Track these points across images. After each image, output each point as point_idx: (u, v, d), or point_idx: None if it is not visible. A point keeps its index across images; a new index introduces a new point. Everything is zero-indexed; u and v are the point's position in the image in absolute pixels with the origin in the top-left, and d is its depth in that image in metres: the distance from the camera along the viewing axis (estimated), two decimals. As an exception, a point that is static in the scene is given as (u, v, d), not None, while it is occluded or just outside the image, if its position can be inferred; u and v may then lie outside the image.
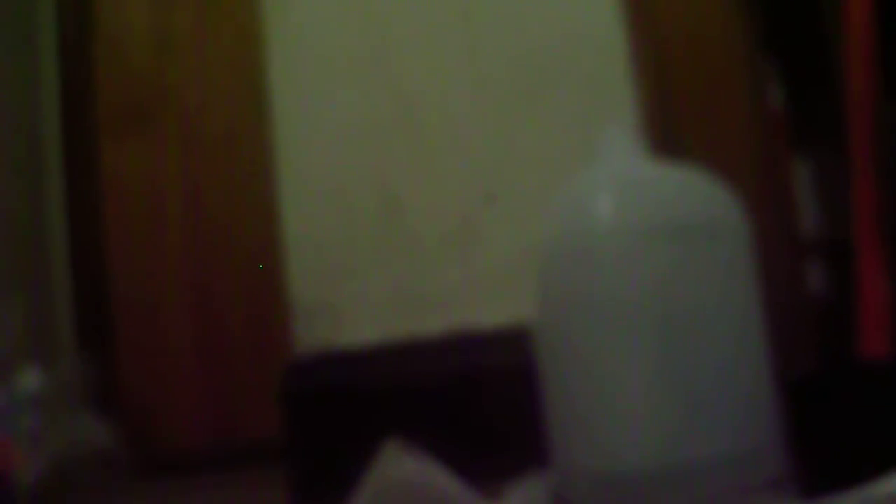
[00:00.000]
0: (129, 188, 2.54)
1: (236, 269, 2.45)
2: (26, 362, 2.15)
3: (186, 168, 2.51)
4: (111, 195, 2.54)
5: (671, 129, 2.24)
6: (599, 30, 2.39)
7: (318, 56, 2.52)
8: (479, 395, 1.57)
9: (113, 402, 2.43)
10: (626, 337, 1.22)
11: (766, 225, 1.33)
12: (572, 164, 1.39)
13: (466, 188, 2.40)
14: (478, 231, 2.38)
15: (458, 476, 1.22)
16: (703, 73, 2.27)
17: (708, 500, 1.13)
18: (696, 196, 1.30)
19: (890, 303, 1.18)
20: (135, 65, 2.58)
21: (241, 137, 2.50)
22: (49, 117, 2.62)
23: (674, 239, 1.24)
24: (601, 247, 1.25)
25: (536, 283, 1.33)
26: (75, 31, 2.65)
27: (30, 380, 2.10)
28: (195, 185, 2.50)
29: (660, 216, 1.25)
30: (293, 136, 2.49)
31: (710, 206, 1.29)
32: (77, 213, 2.60)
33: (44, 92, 2.62)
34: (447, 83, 2.46)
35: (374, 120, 2.47)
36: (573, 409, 1.26)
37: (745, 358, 1.24)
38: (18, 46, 2.60)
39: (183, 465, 2.34)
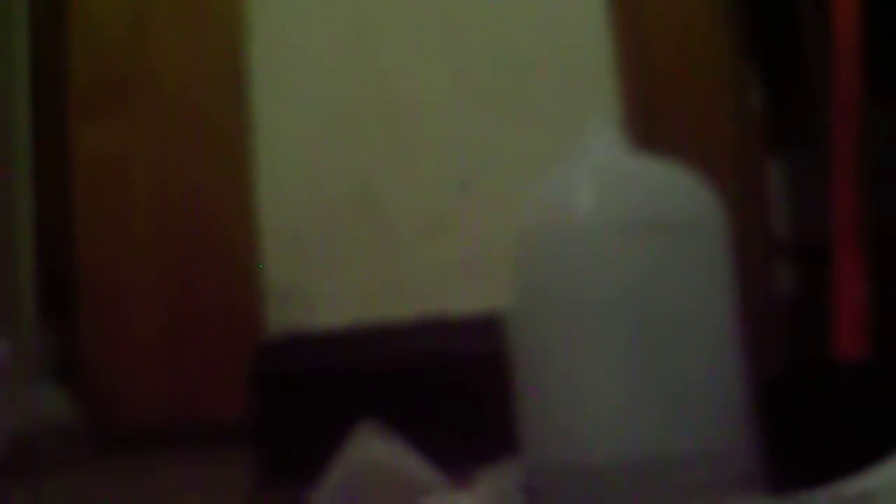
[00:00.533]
0: (98, 165, 2.52)
1: (207, 250, 2.44)
2: (-12, 334, 2.13)
3: (159, 149, 2.50)
4: (80, 170, 2.52)
5: (652, 124, 2.25)
6: (583, 23, 2.40)
7: (298, 43, 2.51)
8: (450, 380, 1.57)
9: (75, 376, 2.41)
10: (602, 331, 1.23)
11: (741, 224, 1.34)
12: (550, 157, 1.39)
13: (443, 178, 2.41)
14: (453, 221, 2.39)
15: (430, 461, 1.22)
16: (686, 71, 2.28)
17: (680, 496, 1.14)
18: (678, 192, 1.30)
19: (865, 304, 1.19)
20: (109, 44, 2.56)
21: (218, 121, 2.48)
22: (20, 95, 2.59)
23: (654, 234, 1.24)
24: (580, 240, 1.25)
25: (513, 274, 1.33)
26: (48, 8, 2.62)
27: (-9, 351, 2.08)
28: (168, 166, 2.49)
29: (640, 211, 1.26)
30: (272, 122, 2.48)
31: (692, 203, 1.29)
32: (44, 185, 2.58)
33: (15, 69, 2.59)
34: (427, 73, 2.45)
35: (353, 108, 2.46)
36: (545, 402, 1.26)
37: (721, 355, 1.24)
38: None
39: (145, 441, 2.32)
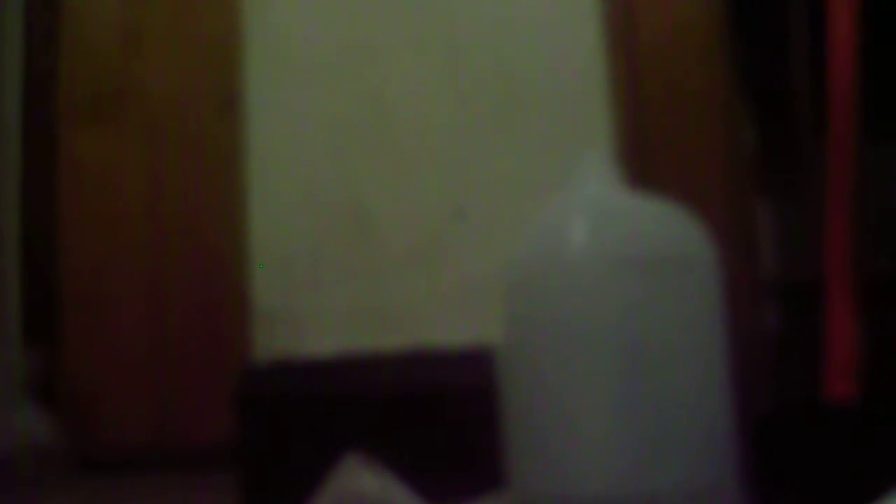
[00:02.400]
0: (87, 180, 2.50)
1: (194, 271, 2.42)
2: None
3: (149, 163, 2.48)
4: (68, 186, 2.50)
5: (645, 160, 2.26)
6: (580, 57, 2.41)
7: (296, 63, 2.51)
8: (438, 412, 1.57)
9: (56, 396, 2.39)
10: (592, 364, 1.23)
11: (730, 262, 1.35)
12: (544, 187, 1.40)
13: (437, 204, 2.40)
14: (446, 248, 2.38)
15: (416, 494, 1.22)
16: (679, 109, 2.29)
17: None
18: (670, 229, 1.31)
19: (857, 346, 1.20)
20: (100, 55, 2.55)
21: (210, 137, 2.47)
22: (10, 104, 2.58)
23: (645, 270, 1.24)
24: (572, 274, 1.26)
25: (504, 305, 1.33)
26: (42, 18, 2.61)
27: (-27, 369, 2.06)
28: (157, 182, 2.47)
29: (632, 247, 1.26)
30: (266, 140, 2.48)
31: (683, 241, 1.30)
32: (32, 202, 2.56)
33: (7, 78, 2.58)
34: (425, 99, 2.46)
35: (350, 130, 2.46)
36: (534, 433, 1.26)
37: (708, 392, 1.25)
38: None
39: (126, 463, 2.30)
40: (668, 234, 1.30)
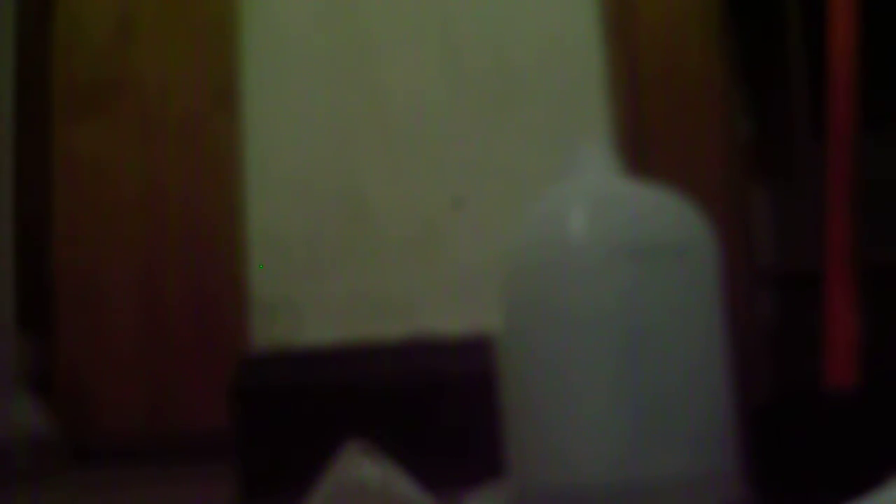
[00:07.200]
0: (82, 170, 2.50)
1: (191, 260, 2.42)
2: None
3: (145, 154, 2.48)
4: (62, 176, 2.50)
5: (643, 148, 2.26)
6: (577, 45, 2.41)
7: (294, 51, 2.51)
8: (437, 400, 1.57)
9: (52, 387, 2.39)
10: (590, 351, 1.23)
11: (727, 250, 1.34)
12: (542, 175, 1.40)
13: (434, 193, 2.40)
14: (443, 236, 2.38)
15: (417, 482, 1.22)
16: (677, 97, 2.30)
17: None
18: (668, 216, 1.31)
19: (857, 334, 1.20)
20: (95, 44, 2.54)
21: (206, 127, 2.47)
22: (4, 94, 2.57)
23: (643, 257, 1.24)
24: (571, 260, 1.26)
25: (502, 292, 1.33)
26: (35, 6, 2.60)
27: (-32, 359, 2.05)
28: (153, 172, 2.47)
29: (631, 234, 1.26)
30: (264, 130, 2.47)
31: (681, 228, 1.30)
32: (26, 190, 2.55)
33: (0, 69, 2.57)
34: (422, 87, 2.45)
35: (347, 119, 2.46)
36: (533, 421, 1.26)
37: (706, 379, 1.25)
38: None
39: (121, 454, 2.30)
40: (667, 221, 1.30)
